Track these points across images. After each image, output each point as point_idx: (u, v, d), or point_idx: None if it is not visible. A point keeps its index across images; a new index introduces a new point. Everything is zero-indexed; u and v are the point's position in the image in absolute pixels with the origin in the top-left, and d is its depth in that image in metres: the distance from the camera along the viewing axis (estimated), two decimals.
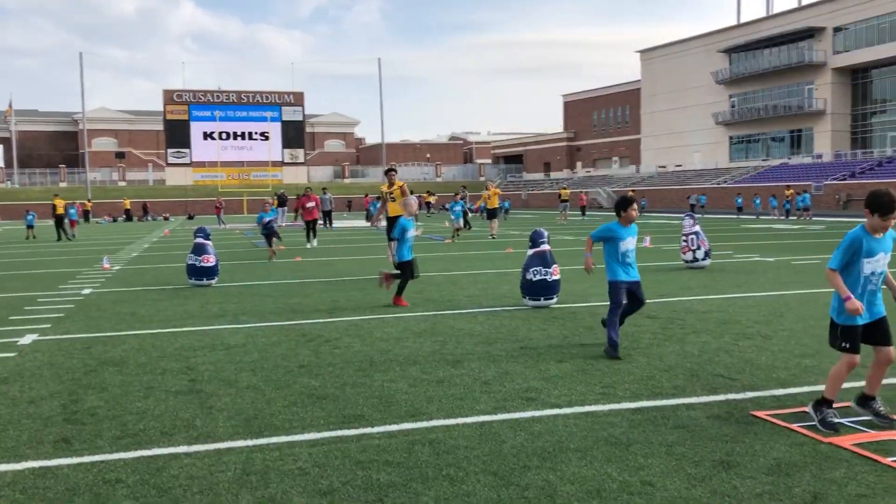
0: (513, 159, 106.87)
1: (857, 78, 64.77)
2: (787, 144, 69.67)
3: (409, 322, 8.77)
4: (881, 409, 4.74)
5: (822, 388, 5.56)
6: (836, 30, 63.79)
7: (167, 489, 3.85)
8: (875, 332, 4.68)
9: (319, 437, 4.62)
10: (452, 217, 26.60)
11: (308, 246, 22.05)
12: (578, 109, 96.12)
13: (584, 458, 4.21)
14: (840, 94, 64.94)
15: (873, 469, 3.97)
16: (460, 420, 4.93)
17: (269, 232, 17.97)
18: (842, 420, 4.73)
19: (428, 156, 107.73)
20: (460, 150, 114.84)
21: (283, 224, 34.62)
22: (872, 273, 4.62)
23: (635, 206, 6.99)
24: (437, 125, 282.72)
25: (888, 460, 4.06)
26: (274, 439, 4.60)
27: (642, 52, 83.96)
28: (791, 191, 42.77)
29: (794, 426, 4.67)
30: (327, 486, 3.85)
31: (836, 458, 4.13)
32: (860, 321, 4.61)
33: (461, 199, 28.67)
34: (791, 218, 38.46)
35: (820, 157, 64.81)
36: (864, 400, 4.80)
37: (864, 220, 4.63)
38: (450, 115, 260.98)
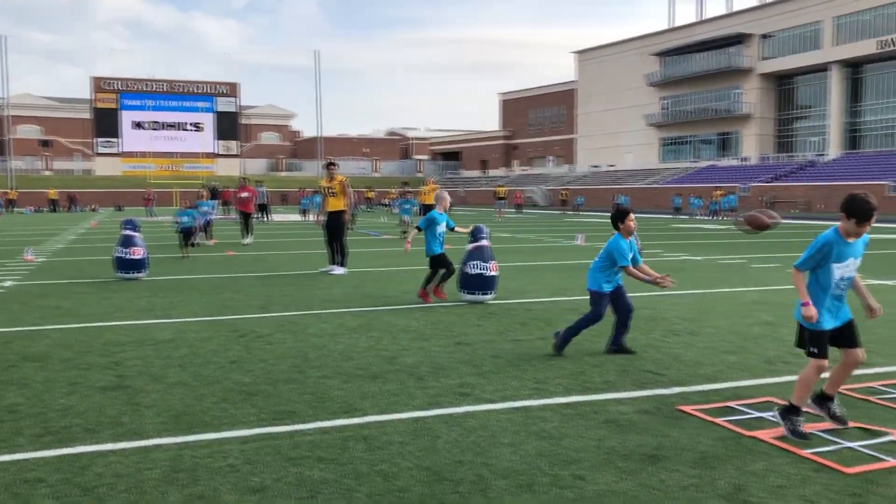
0: (450, 156, 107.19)
1: (782, 84, 67.09)
2: (715, 147, 71.70)
3: (344, 318, 8.72)
4: (837, 411, 4.68)
5: (745, 383, 5.76)
6: (764, 37, 65.93)
7: (91, 488, 3.74)
8: (843, 336, 4.58)
9: (250, 434, 4.55)
10: (402, 214, 26.33)
11: (245, 242, 20.71)
12: (515, 108, 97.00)
13: (517, 452, 4.26)
14: (766, 98, 67.17)
15: (791, 461, 4.13)
16: (394, 416, 4.93)
17: (185, 231, 17.21)
18: (813, 430, 4.77)
19: (366, 150, 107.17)
20: (398, 146, 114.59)
21: (215, 217, 33.79)
22: (841, 278, 4.49)
23: (633, 216, 6.84)
24: (375, 120, 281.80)
25: (805, 452, 4.22)
26: (203, 436, 4.51)
27: (578, 53, 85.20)
28: (720, 191, 44.03)
29: (719, 420, 4.82)
30: (258, 484, 3.80)
31: (757, 452, 4.28)
32: (827, 326, 4.50)
33: (412, 197, 28.60)
34: (717, 218, 39.61)
35: (746, 159, 66.92)
36: (822, 399, 4.73)
37: (839, 222, 4.50)
38: (388, 110, 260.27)
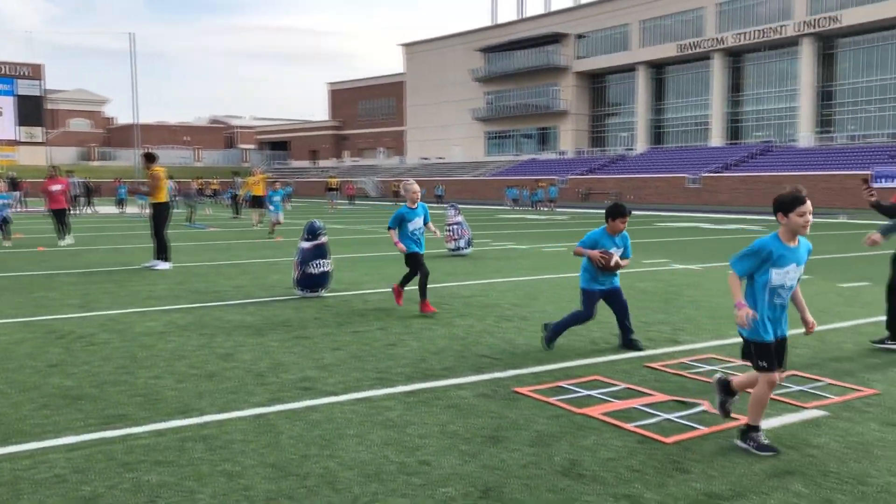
0: (278, 146, 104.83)
1: (596, 82, 71.32)
2: (536, 141, 75.06)
3: (172, 315, 8.33)
4: (730, 405, 4.56)
5: (574, 363, 6.12)
6: (579, 37, 69.73)
7: None
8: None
9: (78, 441, 4.26)
10: (271, 209, 21.83)
11: (62, 244, 17.62)
12: (345, 98, 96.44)
13: (363, 442, 4.28)
14: (581, 96, 71.14)
15: (618, 435, 4.44)
16: (234, 414, 4.79)
17: None
18: (634, 405, 5.19)
19: (187, 139, 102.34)
20: (222, 135, 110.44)
21: (13, 211, 30.84)
22: (781, 286, 4.17)
23: (626, 218, 6.46)
24: (197, 107, 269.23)
25: (630, 426, 4.56)
26: (24, 446, 4.17)
27: (406, 45, 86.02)
28: (544, 183, 46.09)
29: (552, 400, 5.09)
30: (90, 493, 3.57)
31: (588, 428, 4.57)
32: (769, 337, 4.17)
33: (280, 187, 25.69)
34: (542, 209, 41.51)
35: (564, 153, 70.63)
36: (726, 389, 4.53)
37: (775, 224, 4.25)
38: (211, 98, 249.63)
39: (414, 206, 8.46)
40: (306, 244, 9.73)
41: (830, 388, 5.43)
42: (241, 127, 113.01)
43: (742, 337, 4.28)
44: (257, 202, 24.88)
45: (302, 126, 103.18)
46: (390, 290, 8.80)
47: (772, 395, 5.19)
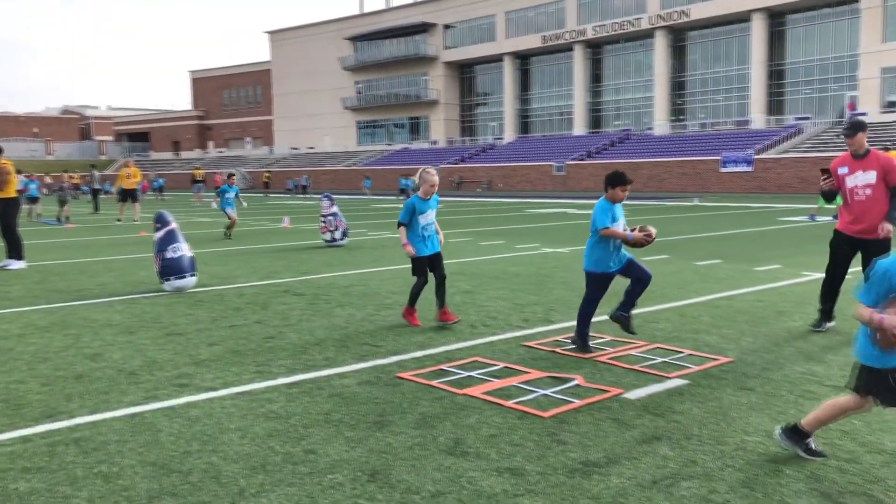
0: (138, 137, 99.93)
1: (465, 72, 72.35)
2: (407, 130, 75.35)
3: (31, 317, 7.84)
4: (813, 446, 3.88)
5: (454, 346, 6.25)
6: (446, 27, 70.44)
7: None
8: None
9: None
10: (226, 207, 17.80)
11: None
12: (208, 87, 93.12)
13: (246, 435, 4.22)
14: (451, 86, 71.97)
15: (499, 412, 4.60)
16: (108, 414, 4.60)
17: None
18: (514, 383, 5.37)
19: (36, 130, 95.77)
20: (76, 126, 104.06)
21: None
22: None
23: (627, 186, 6.02)
24: (46, 96, 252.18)
25: (509, 403, 4.73)
26: None
27: (272, 32, 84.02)
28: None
29: (434, 383, 5.19)
30: None
31: (470, 407, 4.70)
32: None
33: (234, 183, 18.73)
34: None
35: (435, 142, 71.29)
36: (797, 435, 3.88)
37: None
38: (62, 86, 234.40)
39: (427, 198, 7.29)
40: (159, 233, 9.51)
41: (691, 358, 5.82)
42: (97, 117, 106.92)
43: (871, 366, 3.58)
44: (127, 195, 23.71)
45: (163, 116, 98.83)
46: (401, 316, 7.38)
47: (638, 368, 5.54)
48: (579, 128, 62.93)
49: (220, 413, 4.63)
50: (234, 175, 18.99)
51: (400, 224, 7.21)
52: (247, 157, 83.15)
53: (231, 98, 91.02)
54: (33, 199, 26.02)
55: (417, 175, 7.34)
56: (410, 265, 7.31)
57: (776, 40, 52.98)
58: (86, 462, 3.85)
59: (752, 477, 3.60)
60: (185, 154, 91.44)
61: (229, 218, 17.62)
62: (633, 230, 5.98)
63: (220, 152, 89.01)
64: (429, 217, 7.25)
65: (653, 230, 6.03)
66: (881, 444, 4.02)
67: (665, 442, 4.08)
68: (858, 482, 3.55)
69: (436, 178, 7.29)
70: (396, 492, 3.47)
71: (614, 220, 5.97)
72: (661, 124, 57.59)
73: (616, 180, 5.96)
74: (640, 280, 6.03)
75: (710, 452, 3.92)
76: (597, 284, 6.10)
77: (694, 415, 4.52)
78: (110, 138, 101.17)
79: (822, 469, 3.69)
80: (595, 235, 6.01)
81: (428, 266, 7.22)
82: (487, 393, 4.95)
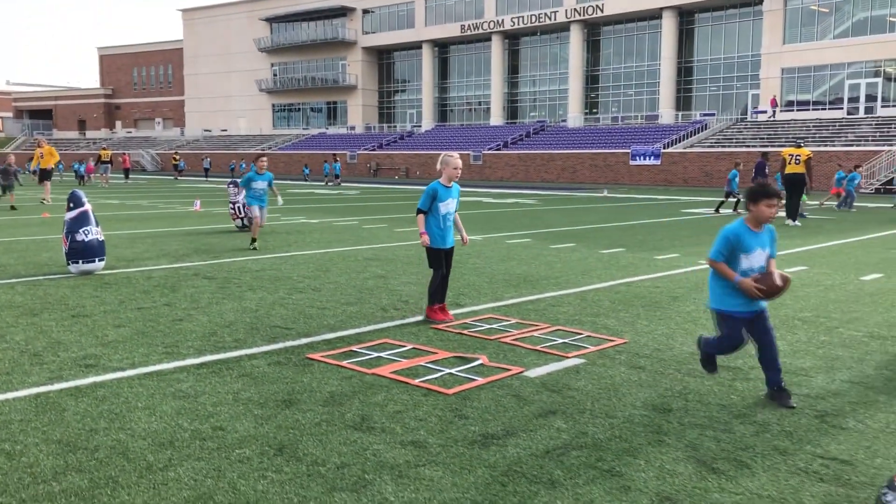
0: (40, 114, 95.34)
1: (383, 58, 72.04)
2: (324, 115, 74.54)
3: None
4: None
5: (365, 329, 6.40)
6: (365, 11, 69.92)
7: None
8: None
9: None
10: (252, 202, 13.45)
11: None
12: (117, 65, 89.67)
13: (154, 414, 4.27)
14: (369, 71, 71.54)
15: (406, 390, 4.78)
16: (10, 395, 4.55)
17: None
18: (422, 363, 5.53)
19: None
20: None
21: None
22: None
23: (776, 200, 4.59)
24: None
25: (415, 382, 4.92)
26: None
27: (184, 11, 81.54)
28: (339, 160, 45.95)
29: (344, 363, 5.33)
30: None
31: (378, 386, 4.86)
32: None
33: (258, 172, 15.00)
34: (329, 184, 41.47)
35: (353, 128, 70.81)
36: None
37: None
38: None
39: (449, 185, 6.84)
40: (70, 213, 9.24)
41: (589, 339, 6.15)
42: None
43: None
44: (44, 175, 22.70)
45: (68, 93, 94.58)
46: (423, 318, 6.86)
47: (539, 348, 5.82)
48: (496, 118, 63.65)
49: (127, 393, 4.65)
50: (264, 157, 13.29)
51: (419, 211, 6.76)
52: (157, 138, 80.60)
53: (141, 77, 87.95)
54: None
55: (439, 160, 6.90)
56: (426, 257, 6.95)
57: (685, 38, 54.90)
58: None
59: (636, 446, 3.91)
60: (90, 133, 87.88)
61: (252, 220, 12.54)
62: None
63: (129, 132, 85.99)
64: (449, 206, 6.80)
65: (778, 275, 4.59)
66: (753, 415, 4.40)
67: (560, 415, 4.34)
68: (730, 449, 3.90)
69: (459, 162, 6.84)
70: (303, 464, 3.61)
71: (759, 247, 4.64)
72: (575, 117, 58.87)
73: (761, 194, 4.57)
74: (761, 334, 4.73)
75: (600, 425, 4.21)
76: (723, 325, 4.78)
77: (588, 391, 4.81)
78: (10, 115, 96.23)
79: (699, 439, 4.03)
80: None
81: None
82: (395, 372, 5.13)
